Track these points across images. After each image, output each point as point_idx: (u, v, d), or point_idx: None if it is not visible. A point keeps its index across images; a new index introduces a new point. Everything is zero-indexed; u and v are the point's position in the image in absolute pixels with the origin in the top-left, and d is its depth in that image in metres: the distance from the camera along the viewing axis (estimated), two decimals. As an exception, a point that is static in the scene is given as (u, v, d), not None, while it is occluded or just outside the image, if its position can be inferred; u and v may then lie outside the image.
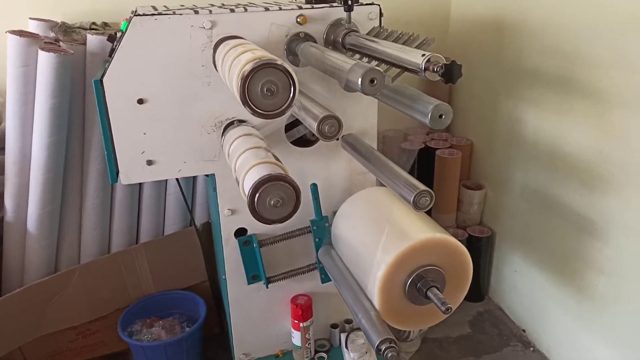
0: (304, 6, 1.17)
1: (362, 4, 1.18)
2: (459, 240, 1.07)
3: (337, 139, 0.85)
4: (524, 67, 1.61)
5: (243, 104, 0.79)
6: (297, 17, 1.15)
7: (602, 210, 1.37)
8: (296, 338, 1.41)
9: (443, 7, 2.00)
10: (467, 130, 1.98)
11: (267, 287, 1.35)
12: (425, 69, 0.81)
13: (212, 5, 1.38)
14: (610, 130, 1.32)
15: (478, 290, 1.90)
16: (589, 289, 1.45)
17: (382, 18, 1.22)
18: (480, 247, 1.81)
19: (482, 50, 1.82)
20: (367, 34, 1.11)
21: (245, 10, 1.12)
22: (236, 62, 0.86)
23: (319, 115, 0.85)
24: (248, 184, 0.87)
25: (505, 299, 1.86)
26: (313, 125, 0.86)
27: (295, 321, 1.38)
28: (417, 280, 1.04)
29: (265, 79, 0.78)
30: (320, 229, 1.31)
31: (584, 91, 1.39)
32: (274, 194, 0.84)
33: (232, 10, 1.12)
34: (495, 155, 1.81)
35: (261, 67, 0.78)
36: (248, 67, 0.77)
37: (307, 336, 1.40)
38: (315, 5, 1.18)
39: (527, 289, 1.72)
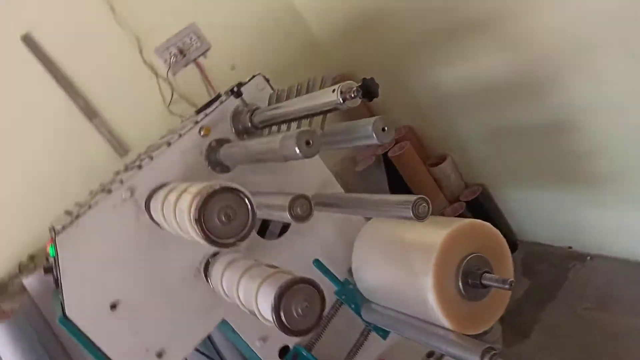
0: (199, 118, 1.13)
1: (245, 83, 1.16)
2: (461, 215, 1.04)
3: (312, 215, 0.81)
4: (412, 39, 1.65)
5: (205, 240, 0.73)
6: (199, 131, 1.12)
7: (558, 106, 1.39)
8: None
9: (304, 34, 2.03)
10: (400, 119, 1.99)
11: (341, 380, 1.25)
12: (344, 100, 0.78)
13: (117, 172, 1.33)
14: (517, 42, 1.35)
15: (510, 242, 1.86)
16: (596, 175, 1.45)
17: (270, 83, 1.21)
18: (483, 205, 1.79)
19: (370, 48, 1.86)
20: (269, 105, 1.09)
21: (152, 158, 1.08)
22: (182, 203, 0.80)
23: (284, 203, 0.80)
24: (266, 309, 0.80)
25: (534, 232, 1.83)
26: (285, 215, 0.81)
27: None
28: (466, 277, 0.99)
29: (218, 207, 0.73)
30: (349, 294, 1.24)
31: (476, 26, 1.42)
32: (297, 303, 0.78)
33: (140, 167, 1.07)
34: (437, 123, 1.82)
35: (209, 197, 0.73)
36: (197, 201, 0.72)
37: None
38: (206, 111, 1.15)
39: (546, 210, 1.70)
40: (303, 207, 0.78)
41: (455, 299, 1.00)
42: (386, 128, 0.85)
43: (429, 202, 0.89)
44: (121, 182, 1.05)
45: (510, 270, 1.07)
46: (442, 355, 1.38)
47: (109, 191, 1.04)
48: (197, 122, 1.12)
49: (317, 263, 1.20)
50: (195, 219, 0.72)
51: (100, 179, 1.36)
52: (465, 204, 1.77)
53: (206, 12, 1.81)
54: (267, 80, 1.20)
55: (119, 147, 1.69)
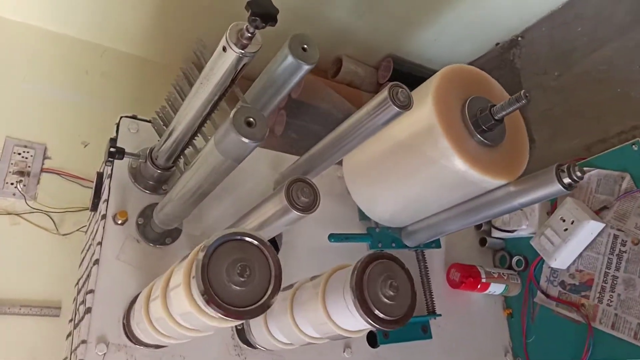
0: (101, 211, 0.88)
1: (114, 138, 0.91)
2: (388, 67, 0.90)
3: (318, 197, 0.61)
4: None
5: (224, 315, 0.51)
6: (115, 222, 0.87)
7: None
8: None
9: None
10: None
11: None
12: (244, 46, 0.58)
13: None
14: None
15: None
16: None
17: (137, 117, 0.96)
18: (403, 70, 1.66)
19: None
20: (161, 136, 0.85)
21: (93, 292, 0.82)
22: (173, 287, 0.58)
23: (282, 204, 0.59)
24: (346, 316, 0.62)
25: (457, 55, 1.73)
26: (291, 216, 0.59)
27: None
28: (478, 123, 0.86)
29: (230, 260, 0.51)
30: (383, 238, 1.08)
31: None
32: (380, 287, 0.60)
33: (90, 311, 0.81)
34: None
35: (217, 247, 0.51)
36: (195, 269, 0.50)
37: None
38: (102, 198, 0.89)
39: (454, 30, 1.60)
40: (305, 191, 0.58)
41: (482, 153, 0.86)
42: (306, 45, 0.66)
43: (401, 84, 0.72)
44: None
45: (503, 94, 0.95)
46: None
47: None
48: (104, 216, 0.86)
49: (334, 237, 1.02)
50: (203, 295, 0.50)
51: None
52: (389, 82, 1.63)
53: (10, 118, 1.47)
54: (134, 117, 0.95)
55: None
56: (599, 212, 1.10)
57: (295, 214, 0.57)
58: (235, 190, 1.01)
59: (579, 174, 0.77)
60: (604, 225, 1.07)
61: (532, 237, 1.18)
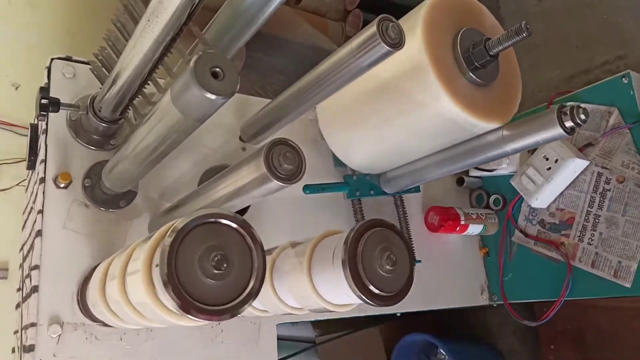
0: (39, 172, 0.75)
1: (47, 85, 0.76)
2: (365, 22, 0.78)
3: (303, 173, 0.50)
4: None
5: (184, 312, 0.42)
6: (56, 186, 0.74)
7: None
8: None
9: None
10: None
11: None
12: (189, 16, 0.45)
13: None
14: None
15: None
16: None
17: (73, 59, 0.81)
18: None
19: None
20: (103, 83, 0.71)
21: (38, 268, 0.71)
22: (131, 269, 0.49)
23: (262, 173, 0.49)
24: (337, 291, 0.55)
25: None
26: (270, 186, 0.49)
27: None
28: (470, 59, 0.76)
29: (204, 247, 0.41)
30: (361, 186, 1.00)
31: None
32: (378, 259, 0.52)
33: (36, 290, 0.71)
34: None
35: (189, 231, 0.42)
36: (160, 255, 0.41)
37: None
38: (40, 157, 0.76)
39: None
40: (288, 157, 0.48)
41: (474, 93, 0.77)
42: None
43: (392, 18, 0.61)
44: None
45: (495, 24, 0.85)
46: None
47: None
48: (42, 180, 0.74)
49: (309, 188, 0.93)
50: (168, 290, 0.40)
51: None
52: (357, 10, 1.48)
53: None
54: (68, 59, 0.80)
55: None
56: (583, 149, 1.05)
57: (275, 183, 0.48)
58: (196, 144, 0.89)
59: (582, 116, 0.70)
60: (588, 162, 1.03)
61: (511, 176, 1.13)
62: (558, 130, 0.71)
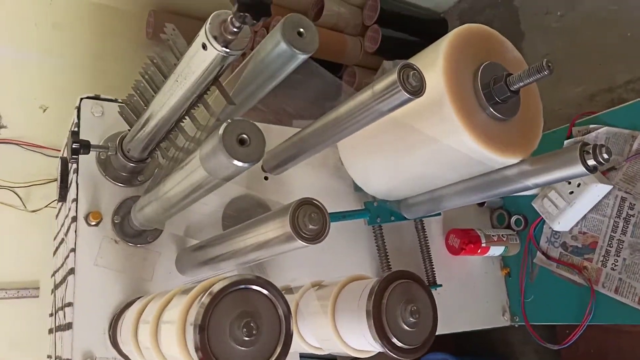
0: (69, 209, 0.78)
1: (77, 125, 0.79)
2: (383, 40, 0.78)
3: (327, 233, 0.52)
4: None
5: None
6: (88, 223, 0.77)
7: None
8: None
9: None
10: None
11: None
12: (232, 32, 0.46)
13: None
14: None
15: (439, 23, 1.63)
16: None
17: (101, 97, 0.84)
18: (393, 10, 1.51)
19: None
20: (130, 125, 0.73)
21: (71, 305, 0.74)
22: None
23: (281, 231, 0.50)
24: (360, 340, 0.56)
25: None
26: (294, 244, 0.51)
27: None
28: (491, 94, 0.77)
29: (236, 312, 0.43)
30: (381, 213, 1.01)
31: None
32: (402, 312, 0.54)
33: (70, 326, 0.74)
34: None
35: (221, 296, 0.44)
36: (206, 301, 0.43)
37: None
38: (70, 194, 0.79)
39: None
40: (314, 218, 0.49)
41: (494, 128, 0.78)
42: (302, 29, 0.54)
43: (414, 65, 0.62)
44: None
45: (522, 61, 0.85)
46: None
47: None
48: (74, 219, 0.76)
49: (330, 216, 0.94)
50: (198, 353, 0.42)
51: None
52: (376, 25, 1.49)
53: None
54: (97, 97, 0.83)
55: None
56: (606, 173, 1.04)
57: (300, 243, 0.49)
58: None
59: (605, 155, 0.70)
60: (611, 187, 1.02)
61: (532, 196, 1.13)
62: (580, 169, 0.71)
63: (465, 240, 1.10)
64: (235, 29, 0.45)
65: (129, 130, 0.73)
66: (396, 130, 0.84)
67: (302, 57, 0.54)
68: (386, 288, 0.54)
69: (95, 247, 0.77)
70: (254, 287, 0.45)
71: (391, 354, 0.52)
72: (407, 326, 0.53)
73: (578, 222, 1.08)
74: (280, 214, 0.50)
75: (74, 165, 0.79)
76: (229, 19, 0.45)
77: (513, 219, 1.21)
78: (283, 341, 0.44)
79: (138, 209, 0.73)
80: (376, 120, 0.68)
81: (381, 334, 0.52)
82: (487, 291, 1.21)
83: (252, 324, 0.43)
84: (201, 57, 0.48)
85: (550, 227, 1.13)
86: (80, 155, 0.78)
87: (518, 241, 1.19)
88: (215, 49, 0.46)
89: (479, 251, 1.12)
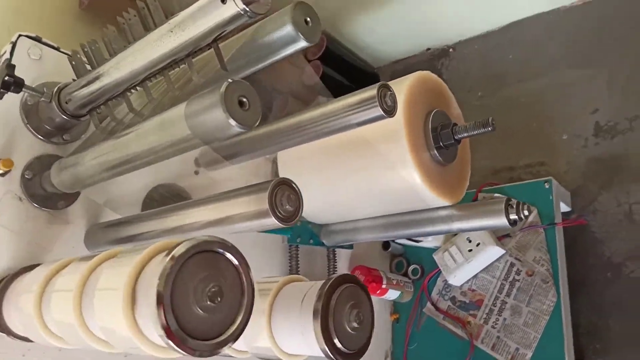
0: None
1: (7, 60, 0.70)
2: (324, 75, 0.83)
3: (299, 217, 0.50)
4: None
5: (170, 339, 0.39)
6: (-7, 170, 0.67)
7: None
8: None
9: None
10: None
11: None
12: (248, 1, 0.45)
13: None
14: None
15: (369, 76, 1.73)
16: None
17: (43, 42, 0.75)
18: (334, 50, 1.57)
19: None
20: (78, 74, 0.66)
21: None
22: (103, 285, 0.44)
23: (256, 207, 0.48)
24: (302, 344, 0.54)
25: (387, 53, 1.69)
26: (267, 222, 0.49)
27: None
28: (438, 139, 0.82)
29: (200, 276, 0.40)
30: (303, 233, 1.01)
31: None
32: (346, 316, 0.53)
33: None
34: None
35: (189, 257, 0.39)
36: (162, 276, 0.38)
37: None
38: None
39: (392, 23, 1.56)
40: (292, 199, 0.48)
41: (434, 169, 0.83)
42: (309, 19, 0.55)
43: (391, 86, 0.65)
44: None
45: (459, 113, 0.93)
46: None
47: None
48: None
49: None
50: (164, 324, 0.38)
51: None
52: (318, 61, 1.54)
53: None
54: (38, 39, 0.74)
55: None
56: (501, 239, 1.15)
57: (272, 221, 0.47)
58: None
59: (526, 212, 0.78)
60: (504, 252, 1.12)
61: (431, 249, 1.21)
62: (503, 220, 0.78)
63: (369, 278, 1.13)
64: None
65: (73, 80, 0.67)
66: (344, 152, 0.86)
67: (303, 44, 0.55)
68: (335, 290, 0.54)
69: (-5, 200, 0.67)
70: (220, 251, 0.42)
71: (330, 356, 0.51)
72: (351, 330, 0.53)
73: (469, 279, 1.17)
74: (256, 190, 0.48)
75: (-7, 103, 0.68)
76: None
77: (411, 267, 1.27)
78: (244, 310, 0.41)
79: (65, 166, 0.65)
80: (340, 132, 0.69)
81: (326, 335, 0.51)
82: (374, 334, 1.24)
83: (218, 290, 0.40)
84: (215, 11, 0.46)
85: (443, 281, 1.21)
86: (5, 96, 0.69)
87: (412, 289, 1.24)
88: (237, 5, 0.45)
89: (378, 292, 1.16)
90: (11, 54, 0.71)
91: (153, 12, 0.54)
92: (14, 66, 0.65)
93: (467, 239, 1.13)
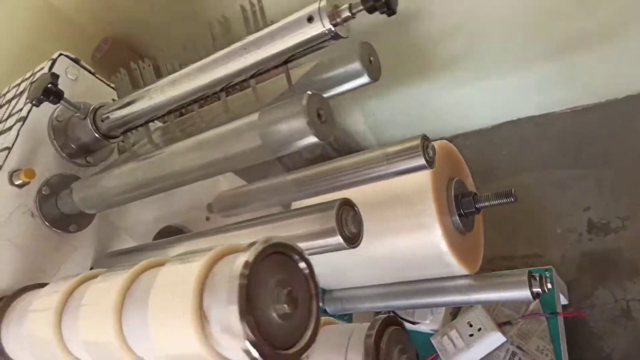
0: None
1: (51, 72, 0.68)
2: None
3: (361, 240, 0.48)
4: None
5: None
6: (10, 182, 0.62)
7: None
8: None
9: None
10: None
11: None
12: (336, 24, 0.47)
13: None
14: None
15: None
16: (451, 56, 1.40)
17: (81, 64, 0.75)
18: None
19: None
20: (120, 96, 0.65)
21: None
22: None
23: (320, 226, 0.45)
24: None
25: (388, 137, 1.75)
26: (333, 241, 0.46)
27: None
28: (459, 207, 0.82)
29: (274, 279, 0.36)
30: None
31: None
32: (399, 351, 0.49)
33: None
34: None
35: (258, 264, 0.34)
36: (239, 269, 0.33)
37: None
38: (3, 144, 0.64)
39: (398, 110, 1.63)
40: (356, 220, 0.46)
41: (454, 236, 0.82)
42: (372, 59, 0.57)
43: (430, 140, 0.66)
44: None
45: (472, 182, 0.94)
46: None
47: None
48: None
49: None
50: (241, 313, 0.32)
51: None
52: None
53: None
54: (76, 61, 0.74)
55: None
56: (502, 326, 1.12)
57: (338, 240, 0.45)
58: (164, 198, 0.82)
59: (549, 286, 0.76)
60: (505, 339, 1.09)
61: (428, 334, 1.16)
62: (525, 292, 0.77)
63: (365, 356, 1.07)
64: (349, 15, 0.46)
65: (114, 100, 0.65)
66: (366, 215, 0.85)
67: (365, 80, 0.56)
68: (384, 331, 0.50)
69: (6, 212, 0.61)
70: (291, 254, 0.39)
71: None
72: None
73: (468, 368, 1.12)
74: (323, 208, 0.46)
75: (22, 112, 0.66)
76: (348, 5, 0.46)
77: (405, 352, 1.21)
78: (315, 317, 0.38)
79: (92, 184, 0.62)
80: (373, 182, 0.69)
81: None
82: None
83: (293, 294, 0.36)
84: (300, 29, 0.47)
85: (439, 367, 1.15)
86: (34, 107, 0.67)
87: (405, 376, 1.17)
88: (323, 24, 0.46)
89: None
90: (50, 69, 0.70)
91: (225, 32, 0.55)
92: (57, 76, 0.64)
93: (469, 323, 1.10)
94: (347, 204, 0.47)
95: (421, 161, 0.63)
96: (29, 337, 0.49)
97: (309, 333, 0.37)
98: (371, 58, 0.56)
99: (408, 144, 0.64)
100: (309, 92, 0.44)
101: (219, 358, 0.35)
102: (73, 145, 0.68)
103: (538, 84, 1.41)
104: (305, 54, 0.51)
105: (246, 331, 0.32)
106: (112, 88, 0.73)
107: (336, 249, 0.46)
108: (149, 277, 0.43)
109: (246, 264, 0.35)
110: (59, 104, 0.62)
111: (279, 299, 0.36)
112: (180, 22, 1.41)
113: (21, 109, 0.67)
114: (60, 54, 0.72)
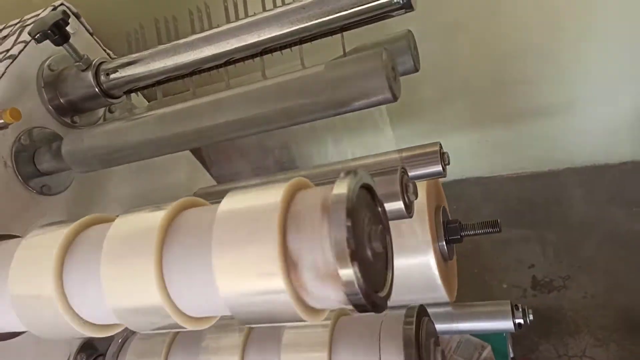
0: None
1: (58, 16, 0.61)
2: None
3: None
4: None
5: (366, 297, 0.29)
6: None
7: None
8: None
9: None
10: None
11: None
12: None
13: None
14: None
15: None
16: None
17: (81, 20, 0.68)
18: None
19: None
20: (131, 50, 0.59)
21: None
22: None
23: (384, 189, 0.41)
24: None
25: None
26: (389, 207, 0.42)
27: None
28: (447, 234, 0.82)
29: (368, 216, 0.32)
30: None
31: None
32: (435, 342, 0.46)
33: None
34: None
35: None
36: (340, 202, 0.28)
37: None
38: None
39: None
40: (413, 190, 0.43)
41: (441, 264, 0.81)
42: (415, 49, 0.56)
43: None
44: None
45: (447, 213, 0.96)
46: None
47: None
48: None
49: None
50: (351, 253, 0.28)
51: None
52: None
53: None
54: (77, 15, 0.67)
55: None
56: (454, 373, 1.10)
57: (399, 205, 0.42)
58: (149, 178, 0.74)
59: (531, 317, 0.77)
60: (458, 387, 1.07)
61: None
62: (508, 323, 0.76)
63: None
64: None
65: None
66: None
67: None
68: (421, 320, 0.46)
69: (-24, 153, 0.52)
70: (373, 194, 0.35)
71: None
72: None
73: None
74: (385, 172, 0.43)
75: (13, 50, 0.57)
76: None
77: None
78: (392, 264, 0.34)
79: (90, 135, 0.54)
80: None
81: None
82: None
83: (384, 233, 0.33)
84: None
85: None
86: (27, 50, 0.59)
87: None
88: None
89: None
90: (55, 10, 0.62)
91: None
92: (69, 15, 0.57)
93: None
94: (405, 172, 0.44)
95: (438, 167, 0.63)
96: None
97: (389, 276, 0.33)
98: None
99: (427, 149, 0.64)
100: (384, 48, 0.43)
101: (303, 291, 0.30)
102: (62, 100, 0.60)
103: (493, 147, 1.50)
104: (366, 23, 0.49)
105: (356, 273, 0.28)
106: (108, 55, 0.67)
107: (396, 215, 0.42)
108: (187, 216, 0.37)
109: (349, 195, 0.30)
110: (61, 45, 0.55)
111: (374, 237, 0.32)
112: None
113: (9, 49, 0.58)
114: (62, 4, 0.65)
